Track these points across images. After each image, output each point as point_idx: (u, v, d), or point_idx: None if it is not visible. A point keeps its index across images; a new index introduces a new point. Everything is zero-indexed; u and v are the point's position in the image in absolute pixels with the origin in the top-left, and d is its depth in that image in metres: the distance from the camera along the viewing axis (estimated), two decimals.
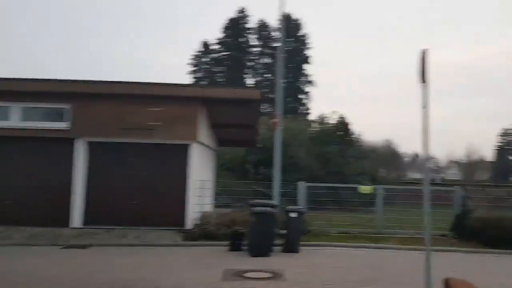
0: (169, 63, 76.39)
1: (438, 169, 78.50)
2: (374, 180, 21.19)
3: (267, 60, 48.61)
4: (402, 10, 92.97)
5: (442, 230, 12.91)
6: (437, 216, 14.31)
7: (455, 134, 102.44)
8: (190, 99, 12.23)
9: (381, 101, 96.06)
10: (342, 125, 25.15)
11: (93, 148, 12.29)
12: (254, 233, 9.67)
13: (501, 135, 66.14)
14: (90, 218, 11.97)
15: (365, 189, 13.32)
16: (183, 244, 10.86)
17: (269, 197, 12.60)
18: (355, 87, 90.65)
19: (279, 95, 12.46)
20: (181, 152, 12.25)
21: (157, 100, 12.06)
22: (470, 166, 74.02)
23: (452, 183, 48.05)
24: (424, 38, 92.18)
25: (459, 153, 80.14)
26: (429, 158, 6.82)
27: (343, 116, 25.70)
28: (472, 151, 73.60)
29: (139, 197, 12.05)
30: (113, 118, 12.01)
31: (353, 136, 25.99)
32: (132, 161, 12.24)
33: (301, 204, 12.71)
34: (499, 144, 66.36)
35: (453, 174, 74.84)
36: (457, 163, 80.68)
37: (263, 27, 49.70)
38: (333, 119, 26.22)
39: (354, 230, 13.03)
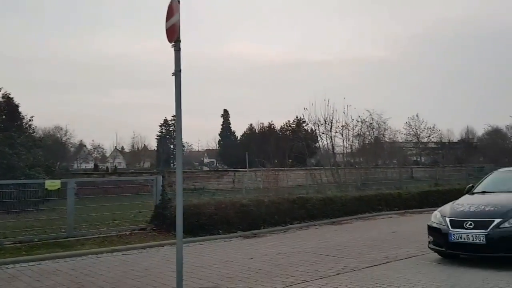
0: None
1: (105, 158, 78.85)
2: (49, 173, 18.21)
3: None
4: None
5: (143, 223, 11.89)
6: (136, 207, 13.31)
7: (121, 123, 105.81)
8: None
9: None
10: (8, 106, 20.49)
11: None
12: None
13: (162, 125, 71.86)
14: None
15: (52, 184, 10.74)
16: None
17: None
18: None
19: None
20: None
21: None
22: (136, 154, 77.77)
23: (123, 171, 48.98)
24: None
25: (125, 142, 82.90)
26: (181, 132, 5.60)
27: (10, 96, 21.01)
28: (137, 140, 77.64)
29: None
30: None
31: (23, 121, 21.66)
32: None
33: None
34: (161, 133, 71.98)
35: (119, 163, 76.72)
36: (122, 152, 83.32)
37: None
38: None
39: (36, 237, 10.33)
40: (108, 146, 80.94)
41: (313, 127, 23.53)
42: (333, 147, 21.49)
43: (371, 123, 23.23)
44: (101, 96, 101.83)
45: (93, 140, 77.15)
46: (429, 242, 8.07)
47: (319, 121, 20.84)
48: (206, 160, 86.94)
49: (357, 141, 23.33)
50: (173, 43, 5.52)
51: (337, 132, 21.14)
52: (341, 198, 15.21)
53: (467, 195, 8.80)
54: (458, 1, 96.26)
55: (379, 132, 25.08)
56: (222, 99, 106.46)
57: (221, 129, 70.77)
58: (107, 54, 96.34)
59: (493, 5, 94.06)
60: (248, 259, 8.51)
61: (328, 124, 20.75)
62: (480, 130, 63.90)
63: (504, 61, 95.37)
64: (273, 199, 13.28)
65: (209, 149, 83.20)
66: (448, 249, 7.56)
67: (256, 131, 61.52)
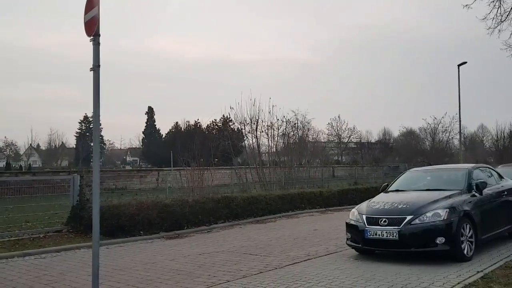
0: None
1: (19, 156, 73.66)
2: None
3: None
4: None
5: (59, 225, 11.23)
6: (52, 209, 12.54)
7: (37, 120, 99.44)
8: None
9: None
10: None
11: None
12: None
13: (82, 122, 68.56)
14: None
15: None
16: None
17: None
18: None
19: None
20: None
21: None
22: (53, 152, 73.40)
23: (39, 170, 46.02)
24: None
25: (41, 139, 78.00)
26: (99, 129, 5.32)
27: None
28: (54, 137, 73.31)
29: None
30: None
31: None
32: None
33: None
34: (80, 130, 68.67)
35: (34, 161, 72.07)
36: (37, 149, 78.25)
37: None
38: None
39: None
40: (22, 144, 75.73)
41: (239, 126, 23.68)
42: (258, 147, 21.77)
43: (295, 123, 23.85)
44: (10, 90, 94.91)
45: (5, 137, 71.91)
46: (347, 239, 8.40)
47: (245, 120, 21.02)
48: (129, 158, 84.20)
49: (282, 141, 23.83)
50: (91, 37, 5.26)
51: (262, 131, 21.46)
52: (265, 197, 15.41)
53: (382, 194, 9.27)
54: (379, 9, 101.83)
55: (303, 132, 25.84)
56: (147, 96, 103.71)
57: (145, 126, 68.97)
58: (15, 46, 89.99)
59: (412, 15, 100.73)
60: (169, 260, 8.33)
61: (254, 124, 20.99)
62: (396, 131, 68.02)
63: (420, 68, 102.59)
64: (197, 198, 13.14)
65: (132, 147, 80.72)
66: (364, 245, 7.91)
67: (182, 129, 60.71)
